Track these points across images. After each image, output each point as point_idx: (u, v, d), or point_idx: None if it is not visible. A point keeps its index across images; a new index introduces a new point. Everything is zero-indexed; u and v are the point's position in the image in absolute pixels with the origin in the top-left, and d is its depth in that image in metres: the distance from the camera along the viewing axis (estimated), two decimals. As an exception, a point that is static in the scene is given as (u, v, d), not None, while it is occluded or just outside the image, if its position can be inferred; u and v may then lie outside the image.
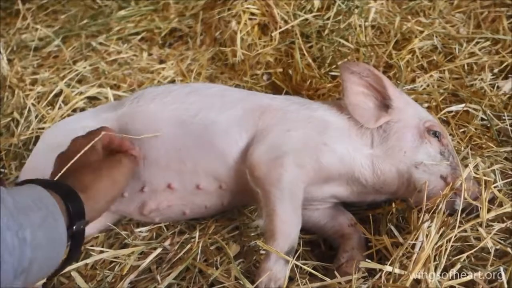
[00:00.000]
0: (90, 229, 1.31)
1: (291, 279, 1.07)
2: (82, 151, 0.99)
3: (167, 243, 1.25)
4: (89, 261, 1.20)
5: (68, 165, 0.96)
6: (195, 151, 1.24)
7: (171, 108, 1.29)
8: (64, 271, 1.16)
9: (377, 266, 1.03)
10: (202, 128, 1.25)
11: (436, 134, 1.22)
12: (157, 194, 1.26)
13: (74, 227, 0.83)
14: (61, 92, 1.81)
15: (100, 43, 2.18)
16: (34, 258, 0.69)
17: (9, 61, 2.07)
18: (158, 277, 1.09)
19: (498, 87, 1.61)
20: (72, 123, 1.39)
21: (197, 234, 1.26)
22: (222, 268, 1.09)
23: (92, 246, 1.29)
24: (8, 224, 0.66)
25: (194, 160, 1.23)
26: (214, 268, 1.13)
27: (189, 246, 1.22)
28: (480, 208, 1.09)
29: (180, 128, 1.26)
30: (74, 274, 1.11)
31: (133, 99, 1.35)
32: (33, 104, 1.76)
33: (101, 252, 1.23)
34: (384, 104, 1.25)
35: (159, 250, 1.21)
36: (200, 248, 1.19)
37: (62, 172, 0.95)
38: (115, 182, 0.97)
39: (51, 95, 1.80)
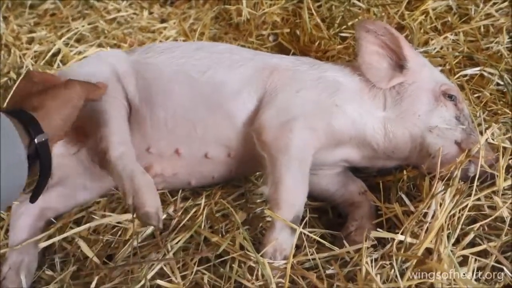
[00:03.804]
0: (89, 195, 1.29)
1: (298, 247, 1.04)
2: (18, 81, 1.03)
3: (171, 209, 1.22)
4: (91, 225, 1.18)
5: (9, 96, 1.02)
6: (203, 112, 1.19)
7: (179, 63, 1.24)
8: (65, 235, 1.16)
9: (388, 235, 0.99)
10: (211, 87, 1.20)
11: (452, 98, 1.18)
12: (163, 158, 1.22)
13: (36, 140, 0.84)
14: (59, 51, 1.76)
15: (99, 1, 2.12)
16: None
17: (4, 18, 2.00)
18: (168, 246, 1.06)
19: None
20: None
21: (202, 201, 1.23)
22: (229, 235, 1.06)
23: (94, 210, 1.26)
24: None
25: (203, 123, 1.19)
26: (220, 235, 1.10)
27: (193, 211, 1.19)
28: (497, 176, 1.05)
29: (189, 86, 1.21)
30: (78, 240, 1.08)
31: (142, 50, 1.31)
32: (31, 64, 1.71)
33: (103, 216, 1.20)
34: (399, 65, 1.20)
35: (163, 216, 1.18)
36: (205, 215, 1.15)
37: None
38: (65, 100, 0.97)
39: (49, 54, 1.76)
